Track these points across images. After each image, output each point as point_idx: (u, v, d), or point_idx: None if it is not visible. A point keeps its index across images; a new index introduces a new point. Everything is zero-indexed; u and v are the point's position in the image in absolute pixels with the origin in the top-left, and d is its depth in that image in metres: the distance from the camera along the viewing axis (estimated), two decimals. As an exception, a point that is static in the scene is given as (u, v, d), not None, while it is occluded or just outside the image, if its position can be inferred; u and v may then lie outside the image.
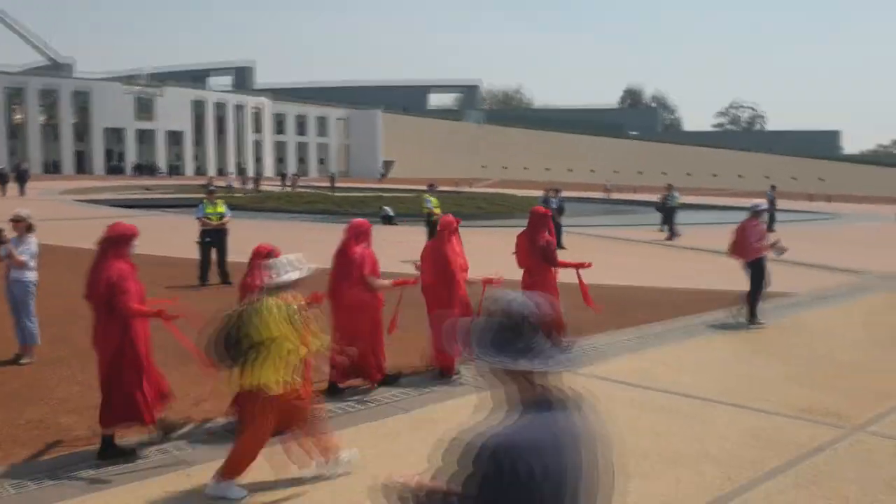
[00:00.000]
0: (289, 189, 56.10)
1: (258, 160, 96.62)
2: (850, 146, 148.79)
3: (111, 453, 5.56)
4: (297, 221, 31.19)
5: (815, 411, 6.76)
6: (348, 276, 7.17)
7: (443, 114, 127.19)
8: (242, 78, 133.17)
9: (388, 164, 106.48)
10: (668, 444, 5.93)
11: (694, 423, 6.43)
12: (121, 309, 5.50)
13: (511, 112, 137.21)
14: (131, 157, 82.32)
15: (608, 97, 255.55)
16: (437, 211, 19.32)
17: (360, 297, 7.14)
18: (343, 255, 7.28)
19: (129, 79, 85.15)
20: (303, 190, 54.65)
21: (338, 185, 60.96)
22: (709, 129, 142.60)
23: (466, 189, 61.61)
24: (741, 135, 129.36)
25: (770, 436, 6.11)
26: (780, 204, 30.98)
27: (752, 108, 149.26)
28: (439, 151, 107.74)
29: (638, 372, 8.11)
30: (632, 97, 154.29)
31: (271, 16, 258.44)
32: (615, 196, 53.28)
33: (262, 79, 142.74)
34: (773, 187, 30.13)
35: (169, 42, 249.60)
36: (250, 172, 75.25)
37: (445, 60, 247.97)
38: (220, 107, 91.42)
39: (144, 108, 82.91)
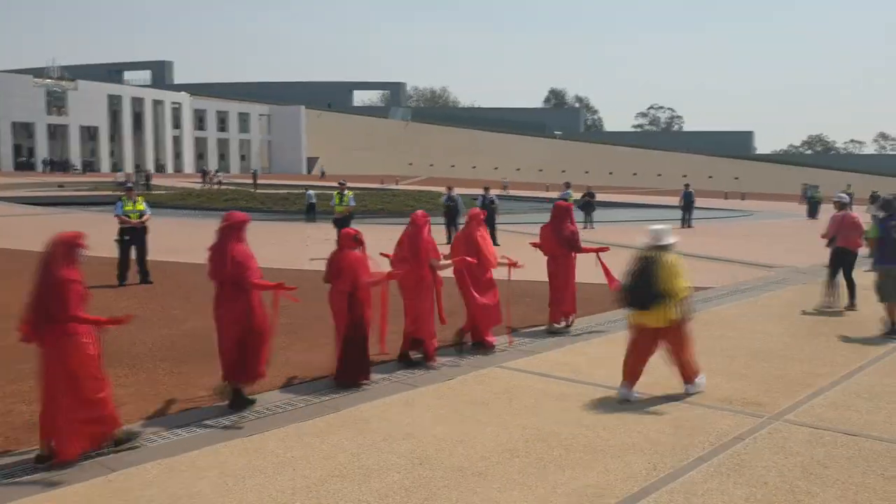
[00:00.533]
0: (216, 186, 54.91)
1: (177, 156, 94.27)
2: (762, 146, 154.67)
3: (241, 403, 6.64)
4: (218, 220, 30.55)
5: (734, 401, 6.98)
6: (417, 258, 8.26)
7: (368, 111, 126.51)
8: (161, 74, 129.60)
9: (311, 161, 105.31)
10: (596, 435, 6.03)
11: (619, 415, 6.55)
12: (249, 284, 6.49)
13: (437, 110, 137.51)
14: (42, 152, 79.07)
15: (532, 98, 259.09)
16: (339, 209, 19.60)
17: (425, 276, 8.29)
18: (414, 240, 8.28)
19: (39, 72, 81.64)
20: (226, 187, 53.57)
21: (260, 181, 59.91)
22: (629, 129, 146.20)
23: (394, 186, 61.61)
24: (660, 135, 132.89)
25: (693, 426, 6.27)
26: (698, 202, 31.95)
27: (671, 110, 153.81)
28: (365, 149, 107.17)
29: (566, 366, 8.22)
30: (555, 98, 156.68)
31: (189, 13, 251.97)
32: (516, 193, 54.75)
33: (181, 75, 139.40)
34: (687, 185, 31.17)
35: (82, 39, 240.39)
36: (210, 169, 72.87)
37: (370, 59, 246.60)
38: (137, 102, 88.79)
39: (56, 102, 79.71)
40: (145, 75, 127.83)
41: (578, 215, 27.77)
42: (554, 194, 37.98)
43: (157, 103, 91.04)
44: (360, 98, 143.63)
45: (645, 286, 6.76)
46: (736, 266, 17.32)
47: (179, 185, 57.21)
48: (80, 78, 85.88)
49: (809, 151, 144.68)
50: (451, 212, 21.88)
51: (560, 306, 10.12)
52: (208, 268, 6.73)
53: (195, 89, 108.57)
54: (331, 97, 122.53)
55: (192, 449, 5.68)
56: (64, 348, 5.40)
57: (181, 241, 21.11)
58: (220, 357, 6.68)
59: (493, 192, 23.43)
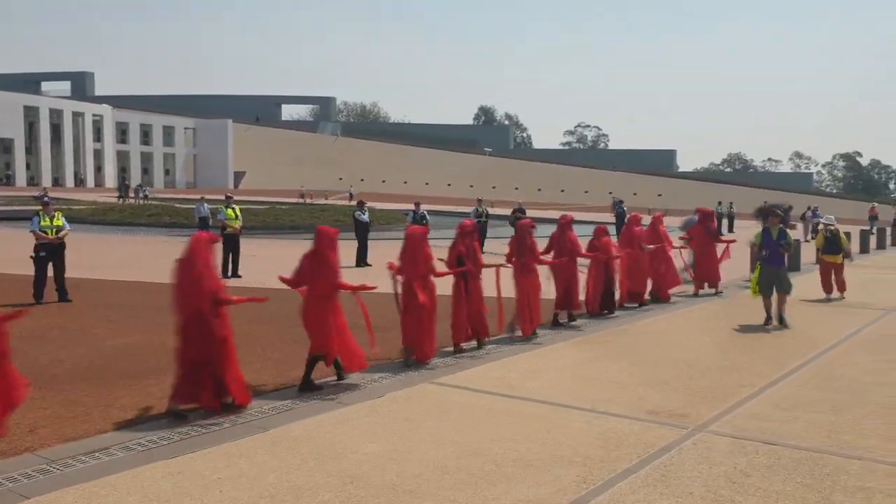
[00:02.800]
0: (142, 201, 53.48)
1: (99, 170, 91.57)
2: (684, 164, 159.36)
3: (309, 387, 7.64)
4: (140, 235, 29.79)
5: (660, 413, 7.12)
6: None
7: (297, 125, 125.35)
8: (81, 85, 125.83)
9: (238, 176, 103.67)
10: (527, 449, 6.06)
11: (550, 428, 6.60)
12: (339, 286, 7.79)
13: (368, 125, 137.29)
14: (-49, 165, 75.70)
15: (463, 115, 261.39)
16: (236, 224, 17.44)
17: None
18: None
19: (-52, 81, 78.25)
20: (152, 202, 52.23)
21: (184, 196, 58.61)
22: (557, 146, 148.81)
23: (310, 201, 61.00)
24: (587, 152, 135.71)
25: (620, 438, 6.37)
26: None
27: (597, 128, 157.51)
28: (293, 163, 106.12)
29: (497, 380, 8.26)
30: (485, 115, 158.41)
31: (112, 23, 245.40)
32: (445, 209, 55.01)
33: (103, 87, 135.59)
34: (621, 201, 32.12)
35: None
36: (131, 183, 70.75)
37: (299, 74, 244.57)
38: (55, 114, 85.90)
39: (-33, 112, 76.54)
40: (65, 86, 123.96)
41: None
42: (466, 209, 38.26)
43: (77, 115, 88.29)
44: (289, 112, 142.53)
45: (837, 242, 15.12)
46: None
47: (101, 199, 55.51)
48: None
49: (729, 169, 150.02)
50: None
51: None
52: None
53: (118, 101, 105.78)
54: (258, 111, 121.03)
55: (112, 473, 5.47)
56: None
57: (101, 257, 20.46)
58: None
59: (423, 208, 23.52)
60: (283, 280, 8.13)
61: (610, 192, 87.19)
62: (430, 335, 8.97)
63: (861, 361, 9.42)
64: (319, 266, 7.83)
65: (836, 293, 15.08)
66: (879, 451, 6.11)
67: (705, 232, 15.87)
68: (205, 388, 6.87)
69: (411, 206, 24.18)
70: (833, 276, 15.10)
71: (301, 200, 60.85)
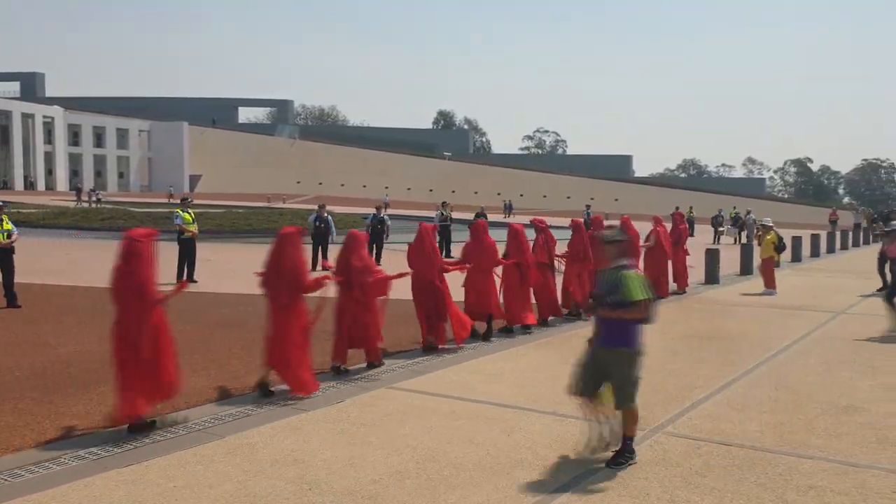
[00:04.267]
0: (94, 204, 52.42)
1: (50, 173, 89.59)
2: (640, 170, 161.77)
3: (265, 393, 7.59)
4: (92, 240, 29.22)
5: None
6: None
7: (254, 128, 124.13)
8: (31, 86, 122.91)
9: (194, 179, 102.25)
10: (487, 453, 6.08)
11: (509, 432, 6.63)
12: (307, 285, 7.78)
13: (326, 129, 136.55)
14: None
15: (422, 119, 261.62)
16: (192, 229, 16.87)
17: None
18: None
19: None
20: (105, 206, 51.27)
21: (139, 199, 57.65)
22: (517, 151, 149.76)
23: (281, 205, 60.70)
24: (545, 157, 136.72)
25: (579, 440, 6.41)
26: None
27: (556, 134, 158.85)
28: (250, 166, 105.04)
29: (456, 384, 8.27)
30: (444, 119, 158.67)
31: (63, 23, 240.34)
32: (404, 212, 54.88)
33: (54, 88, 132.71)
34: (587, 206, 32.72)
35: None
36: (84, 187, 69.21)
37: (257, 77, 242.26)
38: (4, 115, 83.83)
39: None
40: (14, 87, 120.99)
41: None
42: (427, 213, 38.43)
43: (27, 117, 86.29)
44: (246, 115, 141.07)
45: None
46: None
47: (52, 203, 54.30)
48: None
49: (684, 175, 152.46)
50: (378, 233, 21.54)
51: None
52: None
53: (70, 103, 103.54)
54: (215, 113, 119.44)
55: (64, 483, 5.35)
56: None
57: (53, 262, 20.01)
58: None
59: (384, 213, 23.44)
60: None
61: (568, 197, 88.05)
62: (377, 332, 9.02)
63: (812, 363, 9.63)
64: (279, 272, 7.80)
65: (764, 287, 16.63)
66: (830, 449, 6.26)
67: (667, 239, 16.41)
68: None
69: (371, 210, 24.09)
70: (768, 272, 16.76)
71: (267, 204, 60.86)
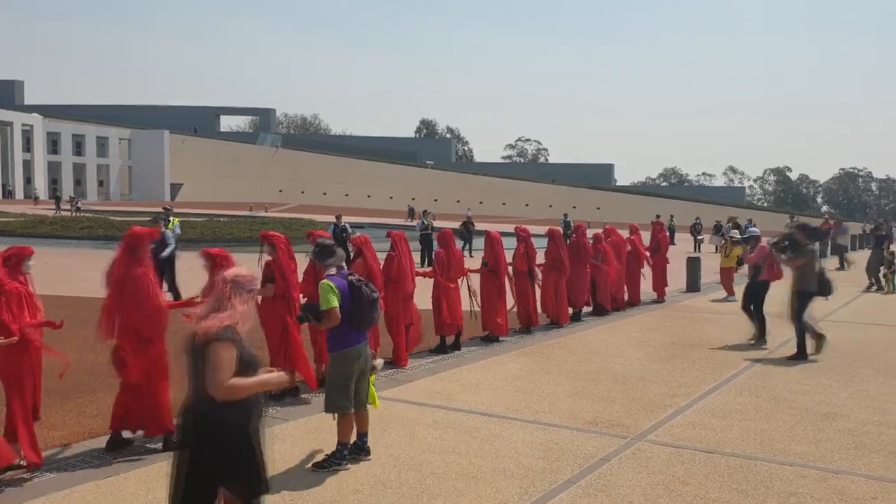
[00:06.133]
0: (75, 213, 51.97)
1: (28, 181, 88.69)
2: (622, 178, 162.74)
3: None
4: (73, 248, 28.93)
5: (600, 423, 7.21)
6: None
7: (236, 137, 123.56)
8: (10, 93, 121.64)
9: (175, 187, 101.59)
10: (469, 462, 6.07)
11: (491, 441, 6.62)
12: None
13: (308, 137, 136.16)
14: None
15: (404, 128, 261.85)
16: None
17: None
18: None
19: None
20: (85, 214, 50.81)
21: (120, 208, 57.23)
22: (499, 160, 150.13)
23: (263, 213, 60.50)
24: (527, 166, 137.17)
25: (561, 449, 6.43)
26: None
27: (538, 142, 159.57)
28: (232, 175, 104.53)
29: (438, 393, 8.25)
30: (426, 128, 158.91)
31: (42, 30, 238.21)
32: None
33: (32, 96, 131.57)
34: (565, 215, 32.83)
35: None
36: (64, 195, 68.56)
37: (238, 86, 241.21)
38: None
39: None
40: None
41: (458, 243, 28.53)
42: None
43: (5, 125, 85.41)
44: (228, 124, 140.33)
45: None
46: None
47: (31, 211, 53.76)
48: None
49: (665, 183, 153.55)
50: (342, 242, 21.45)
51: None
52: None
53: (49, 111, 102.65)
54: (196, 122, 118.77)
55: (43, 494, 5.28)
56: None
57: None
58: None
59: (345, 220, 23.32)
60: None
61: (550, 206, 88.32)
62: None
63: (791, 370, 9.70)
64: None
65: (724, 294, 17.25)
66: (810, 456, 6.30)
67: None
68: None
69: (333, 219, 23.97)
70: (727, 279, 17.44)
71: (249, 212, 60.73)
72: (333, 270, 6.09)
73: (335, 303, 5.73)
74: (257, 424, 3.86)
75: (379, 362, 6.32)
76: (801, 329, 10.46)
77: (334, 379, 5.95)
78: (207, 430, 3.73)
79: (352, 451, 6.06)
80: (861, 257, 25.41)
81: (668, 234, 19.01)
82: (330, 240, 6.59)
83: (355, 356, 5.92)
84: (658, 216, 25.63)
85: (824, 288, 10.59)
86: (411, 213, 65.78)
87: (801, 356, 10.31)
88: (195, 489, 3.77)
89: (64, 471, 5.78)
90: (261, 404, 3.91)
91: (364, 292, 5.85)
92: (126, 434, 6.47)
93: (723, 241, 19.67)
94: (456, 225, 29.36)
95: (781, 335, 12.33)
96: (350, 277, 5.96)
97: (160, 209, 19.60)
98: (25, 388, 5.81)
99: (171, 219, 17.97)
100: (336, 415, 5.94)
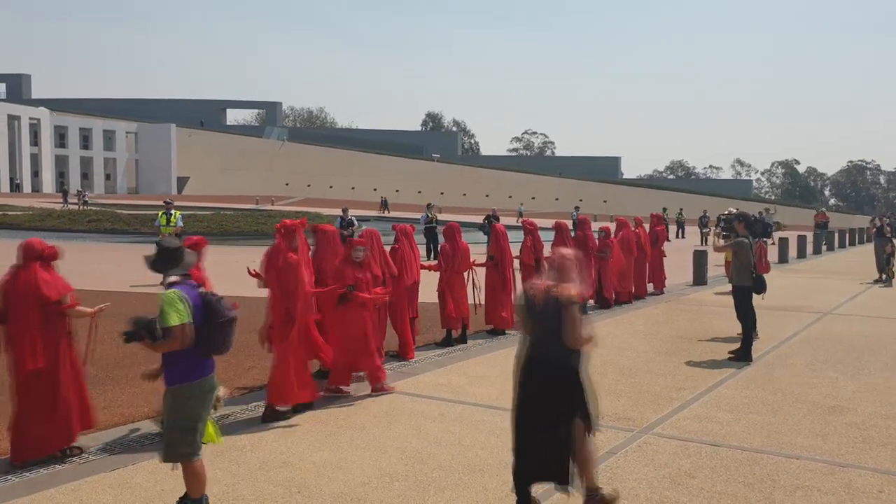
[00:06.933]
0: (82, 206, 52.15)
1: (36, 175, 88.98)
2: (629, 171, 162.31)
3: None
4: (80, 242, 29.01)
5: (606, 416, 7.20)
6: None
7: (243, 130, 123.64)
8: (17, 87, 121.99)
9: (182, 181, 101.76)
10: (475, 455, 6.08)
11: (498, 434, 6.62)
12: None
13: (314, 131, 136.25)
14: None
15: (410, 121, 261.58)
16: (166, 231, 17.16)
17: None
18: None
19: None
20: (92, 208, 50.99)
21: (125, 201, 57.40)
22: (505, 153, 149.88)
23: (269, 207, 60.59)
24: (534, 159, 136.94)
25: (568, 442, 6.42)
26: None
27: (544, 135, 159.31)
28: (238, 168, 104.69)
29: (445, 386, 8.27)
30: (433, 121, 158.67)
31: (51, 25, 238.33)
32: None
33: (40, 90, 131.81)
34: (576, 208, 32.91)
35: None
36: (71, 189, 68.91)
37: (245, 79, 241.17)
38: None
39: None
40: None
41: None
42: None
43: (13, 118, 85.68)
44: (234, 117, 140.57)
45: None
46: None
47: (38, 205, 53.95)
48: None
49: (672, 176, 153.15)
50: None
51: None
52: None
53: (57, 105, 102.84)
54: (203, 115, 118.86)
55: (52, 486, 5.31)
56: None
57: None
58: None
59: (352, 214, 23.30)
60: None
61: (556, 199, 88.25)
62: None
63: (798, 363, 9.69)
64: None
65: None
66: (816, 450, 6.30)
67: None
68: None
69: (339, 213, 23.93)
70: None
71: (255, 206, 61.10)
72: (178, 278, 4.77)
73: (186, 318, 4.55)
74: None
75: (223, 391, 5.11)
76: (749, 327, 9.96)
77: (178, 420, 4.67)
78: (563, 374, 4.71)
79: None
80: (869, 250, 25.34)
81: (666, 227, 18.94)
82: (175, 242, 5.10)
83: (207, 389, 4.76)
84: (665, 209, 25.58)
85: (757, 285, 10.08)
86: (385, 205, 67.50)
87: (744, 356, 9.74)
88: (539, 426, 4.81)
89: (71, 463, 5.81)
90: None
91: (218, 310, 4.69)
92: (281, 408, 7.00)
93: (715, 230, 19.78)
94: (462, 218, 29.27)
95: (786, 328, 12.33)
96: (201, 290, 4.78)
97: (163, 202, 19.73)
98: None
99: (173, 212, 18.10)
100: (180, 464, 4.76)
